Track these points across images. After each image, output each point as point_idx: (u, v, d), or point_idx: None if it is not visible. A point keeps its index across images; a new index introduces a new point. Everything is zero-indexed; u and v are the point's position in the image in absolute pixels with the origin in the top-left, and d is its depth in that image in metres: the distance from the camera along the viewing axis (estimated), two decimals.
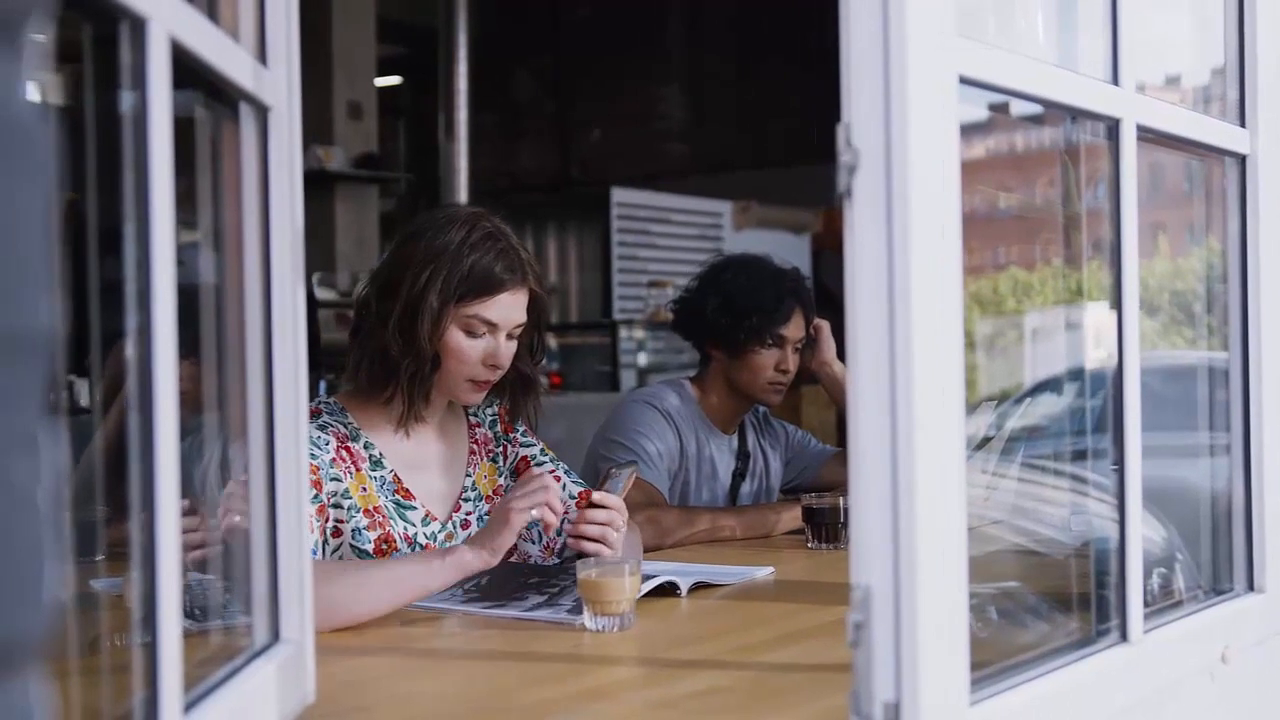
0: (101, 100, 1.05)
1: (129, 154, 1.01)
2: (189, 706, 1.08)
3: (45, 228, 0.56)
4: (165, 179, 1.01)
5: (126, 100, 1.01)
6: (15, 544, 0.54)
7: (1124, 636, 1.50)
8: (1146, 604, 1.54)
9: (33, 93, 0.56)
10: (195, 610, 1.35)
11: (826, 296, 4.45)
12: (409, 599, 1.95)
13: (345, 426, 2.21)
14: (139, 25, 0.99)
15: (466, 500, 2.33)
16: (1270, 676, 1.82)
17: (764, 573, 2.34)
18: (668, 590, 2.09)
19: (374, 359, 2.20)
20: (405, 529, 2.20)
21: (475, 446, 2.38)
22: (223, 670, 1.23)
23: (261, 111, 1.34)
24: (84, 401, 2.63)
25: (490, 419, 2.42)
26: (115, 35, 1.00)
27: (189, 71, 1.11)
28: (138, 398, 1.00)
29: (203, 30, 1.13)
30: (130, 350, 1.00)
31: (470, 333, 2.19)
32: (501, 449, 2.41)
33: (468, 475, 2.34)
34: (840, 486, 2.95)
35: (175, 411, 1.02)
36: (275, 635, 1.36)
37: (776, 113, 9.13)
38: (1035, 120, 1.74)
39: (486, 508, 2.34)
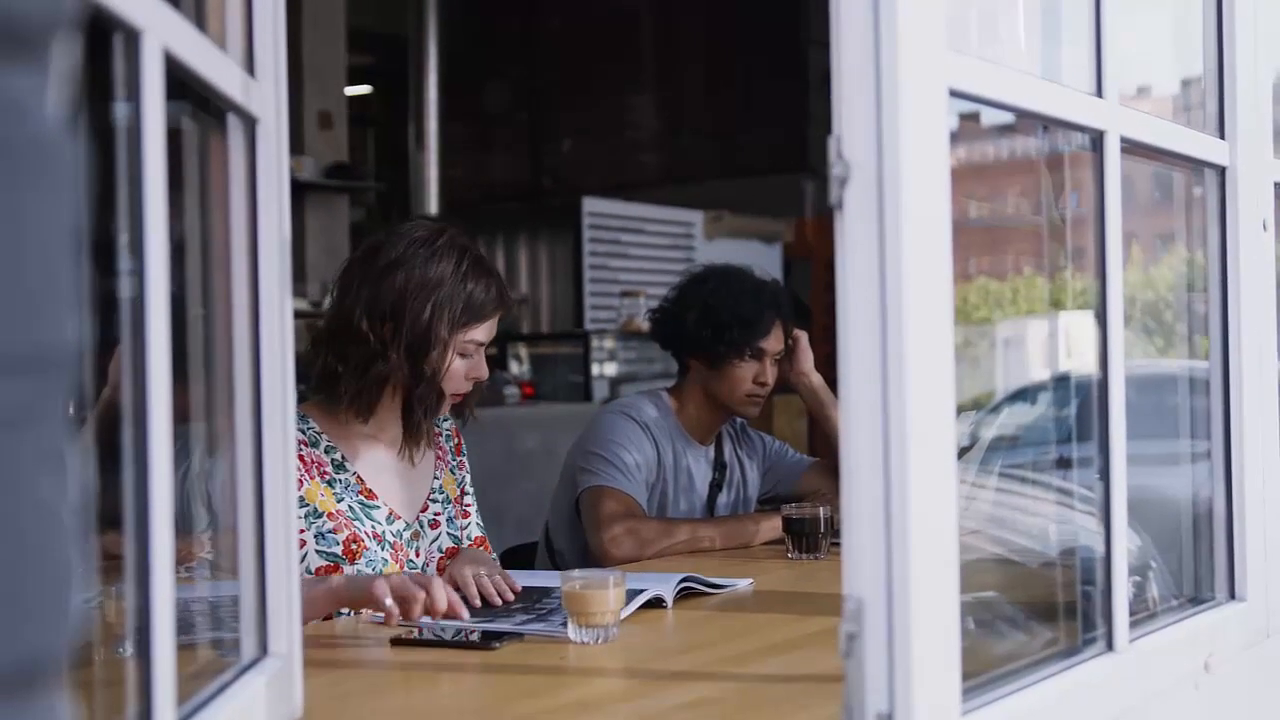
0: (92, 111, 1.04)
1: (122, 164, 1.00)
2: None
3: (72, 243, 0.56)
4: (159, 189, 1.01)
5: (119, 111, 1.00)
6: (43, 561, 0.53)
7: (1110, 645, 1.50)
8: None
9: (57, 107, 0.55)
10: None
11: (797, 306, 4.45)
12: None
13: (304, 432, 2.24)
14: (133, 37, 0.98)
15: (435, 501, 2.40)
16: (1252, 685, 1.83)
17: (744, 584, 2.34)
18: (652, 602, 2.09)
19: (373, 385, 2.23)
20: (372, 527, 2.25)
21: (440, 452, 2.45)
22: (213, 685, 1.22)
23: (250, 123, 1.33)
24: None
25: (446, 433, 2.48)
26: (107, 46, 0.99)
27: (177, 82, 1.10)
28: (131, 411, 0.99)
29: (195, 42, 1.12)
30: (125, 361, 1.00)
31: (464, 355, 2.28)
32: (458, 463, 2.49)
33: (435, 478, 2.41)
34: (817, 496, 2.95)
35: (169, 425, 1.01)
36: (263, 649, 1.35)
37: (748, 123, 9.16)
38: (1007, 130, 1.75)
39: (453, 510, 2.42)
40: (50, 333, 0.54)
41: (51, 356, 0.54)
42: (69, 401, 0.57)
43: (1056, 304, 1.96)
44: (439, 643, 1.87)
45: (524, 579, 2.26)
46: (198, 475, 1.48)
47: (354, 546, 2.20)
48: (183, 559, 1.41)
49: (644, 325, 6.81)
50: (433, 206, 8.69)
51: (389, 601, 1.88)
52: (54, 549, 0.54)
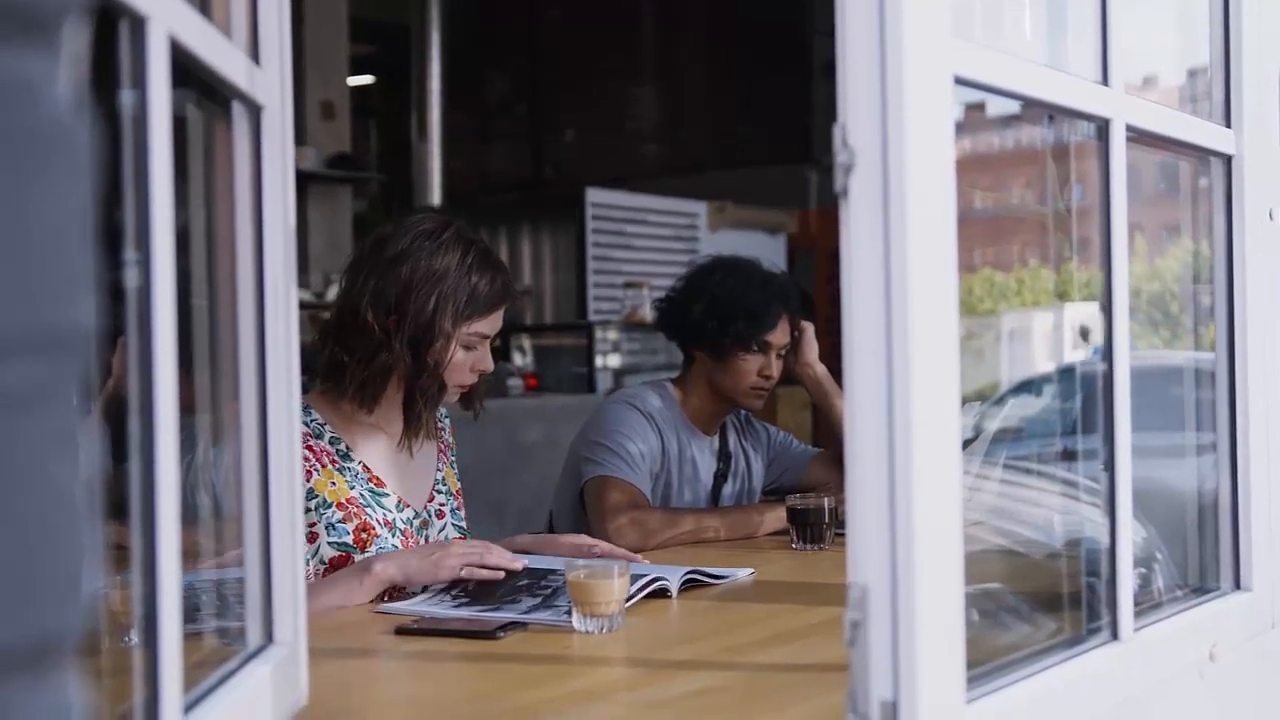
0: (97, 98, 1.04)
1: (128, 152, 1.00)
2: (188, 708, 1.07)
3: (85, 225, 0.55)
4: (164, 178, 1.01)
5: (125, 99, 1.00)
6: (56, 542, 0.53)
7: (1115, 635, 1.50)
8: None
9: (69, 90, 0.55)
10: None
11: (804, 299, 4.45)
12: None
13: (308, 425, 2.24)
14: (139, 24, 0.98)
15: (439, 492, 2.42)
16: (1257, 674, 1.83)
17: (744, 573, 2.34)
18: (656, 592, 2.09)
19: (377, 375, 2.25)
20: (384, 515, 2.27)
21: (442, 445, 2.47)
22: (218, 672, 1.22)
23: (255, 111, 1.33)
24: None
25: (445, 428, 2.50)
26: (112, 33, 0.99)
27: (182, 69, 1.10)
28: (138, 401, 0.99)
29: (200, 29, 1.12)
30: (131, 352, 0.99)
31: (468, 347, 2.28)
32: (453, 460, 2.51)
33: (438, 470, 2.43)
34: (822, 487, 2.95)
35: (175, 415, 1.01)
36: (269, 637, 1.35)
37: (750, 114, 9.15)
38: (1011, 121, 1.75)
39: (456, 503, 2.44)
40: (63, 314, 0.54)
41: (65, 338, 0.54)
42: (83, 383, 0.57)
43: (1061, 295, 1.96)
44: (443, 631, 1.87)
45: (527, 562, 2.27)
46: (202, 466, 1.48)
47: (364, 535, 2.22)
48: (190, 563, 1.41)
49: (648, 316, 6.82)
50: (435, 197, 8.69)
51: (464, 572, 2.06)
52: (67, 529, 0.54)
